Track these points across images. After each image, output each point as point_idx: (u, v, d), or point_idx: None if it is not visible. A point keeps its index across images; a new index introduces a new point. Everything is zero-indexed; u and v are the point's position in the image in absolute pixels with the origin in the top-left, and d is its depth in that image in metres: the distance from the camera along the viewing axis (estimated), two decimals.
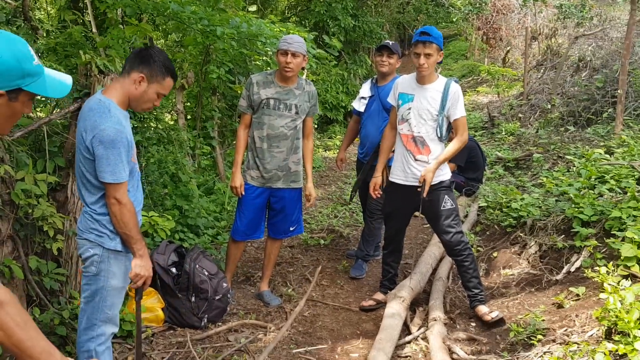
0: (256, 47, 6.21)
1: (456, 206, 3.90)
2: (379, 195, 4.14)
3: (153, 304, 3.70)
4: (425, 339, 3.66)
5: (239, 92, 6.41)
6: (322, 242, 5.62)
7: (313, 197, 4.31)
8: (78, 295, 3.48)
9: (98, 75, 3.65)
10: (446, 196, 3.85)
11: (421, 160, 3.81)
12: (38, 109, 4.07)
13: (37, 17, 8.61)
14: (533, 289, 4.20)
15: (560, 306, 3.74)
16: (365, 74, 12.88)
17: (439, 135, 3.79)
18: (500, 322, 3.74)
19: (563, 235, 4.52)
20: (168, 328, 3.74)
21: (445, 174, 3.88)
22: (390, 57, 4.61)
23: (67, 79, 1.70)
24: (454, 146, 3.78)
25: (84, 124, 2.44)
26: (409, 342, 3.66)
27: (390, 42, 4.73)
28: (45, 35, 6.35)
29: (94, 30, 6.70)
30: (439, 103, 3.74)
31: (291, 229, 4.28)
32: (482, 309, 3.88)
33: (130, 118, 4.58)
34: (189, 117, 6.56)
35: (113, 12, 6.53)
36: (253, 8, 10.12)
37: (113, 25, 6.55)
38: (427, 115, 3.77)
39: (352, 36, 13.02)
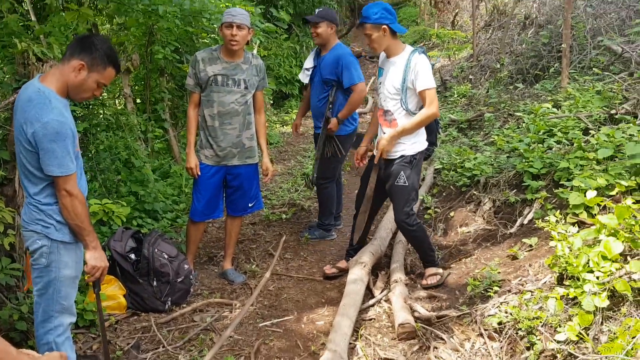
0: (202, 25, 6.09)
1: (410, 184, 3.80)
2: (361, 165, 4.18)
3: (114, 292, 3.67)
4: (388, 300, 3.74)
5: (187, 71, 6.30)
6: (283, 216, 5.64)
7: (270, 172, 4.31)
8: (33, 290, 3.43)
9: (36, 63, 3.54)
10: (402, 172, 3.79)
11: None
12: None
13: None
14: (489, 244, 4.34)
15: (514, 258, 3.87)
16: (314, 47, 12.77)
17: (404, 108, 3.74)
18: (438, 286, 3.92)
19: (515, 190, 4.65)
20: (132, 314, 3.72)
21: (406, 148, 3.80)
22: (317, 27, 4.61)
23: None
24: (416, 118, 3.70)
25: (24, 115, 2.35)
26: (372, 306, 3.75)
27: (315, 14, 4.72)
28: None
29: (33, 18, 6.45)
30: (401, 75, 3.71)
31: (250, 205, 4.28)
32: (428, 271, 4.01)
33: (75, 105, 4.51)
34: (138, 100, 6.42)
35: (52, 0, 6.30)
36: None
37: (54, 13, 6.33)
38: (391, 89, 3.76)
39: (301, 8, 12.87)
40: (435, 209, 5.25)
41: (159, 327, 3.55)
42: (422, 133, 3.92)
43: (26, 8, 6.74)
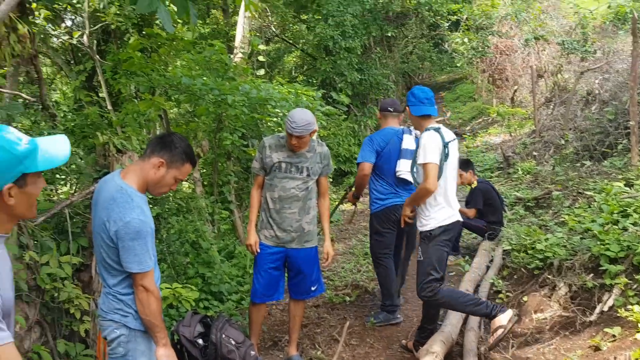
0: (267, 111, 6.36)
1: (427, 259, 3.92)
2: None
3: None
4: None
5: (252, 154, 6.51)
6: (347, 299, 5.55)
7: (330, 256, 4.27)
8: None
9: (116, 155, 3.76)
10: (420, 247, 4.02)
11: None
12: (59, 191, 4.18)
13: (53, 100, 8.92)
14: (567, 332, 4.09)
15: (597, 349, 3.62)
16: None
17: (415, 182, 4.08)
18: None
19: (592, 274, 4.42)
20: None
21: (423, 224, 3.96)
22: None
23: (62, 140, 1.71)
24: (414, 192, 3.99)
25: (107, 213, 2.44)
26: None
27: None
28: (62, 117, 6.57)
29: (109, 107, 6.92)
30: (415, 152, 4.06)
31: (312, 288, 4.25)
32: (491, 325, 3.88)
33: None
34: (205, 183, 6.66)
35: (126, 89, 6.76)
36: (261, 72, 10.41)
37: (127, 101, 6.77)
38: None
39: (359, 89, 13.27)
40: (507, 293, 5.04)
41: None
42: (440, 209, 3.91)
43: (103, 97, 7.28)
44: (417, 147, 3.87)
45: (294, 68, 15.70)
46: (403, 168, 4.65)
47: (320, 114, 7.27)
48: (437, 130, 3.83)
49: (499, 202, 6.58)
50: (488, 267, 5.72)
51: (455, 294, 4.05)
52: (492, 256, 5.94)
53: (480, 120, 15.96)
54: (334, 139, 11.49)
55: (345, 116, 12.13)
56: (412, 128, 4.70)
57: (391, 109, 4.94)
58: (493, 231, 6.34)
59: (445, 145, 3.80)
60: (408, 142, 4.72)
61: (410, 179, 4.41)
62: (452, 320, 4.40)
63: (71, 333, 3.35)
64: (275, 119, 7.09)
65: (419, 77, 22.91)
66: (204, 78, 5.68)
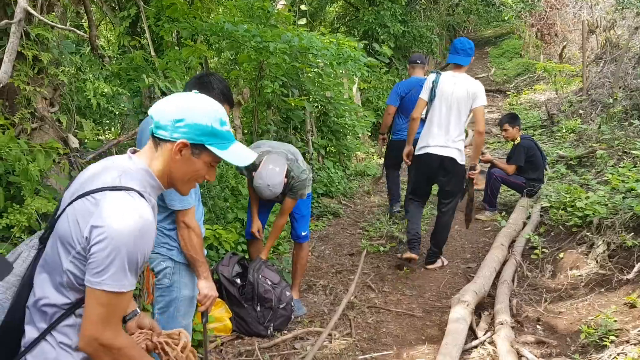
0: (308, 60, 6.33)
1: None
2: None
3: (221, 314, 3.82)
4: (492, 343, 3.61)
5: (292, 105, 6.54)
6: (381, 249, 5.63)
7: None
8: (150, 308, 3.65)
9: (161, 97, 3.83)
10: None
11: None
12: (107, 132, 4.31)
13: (100, 45, 9.04)
14: (603, 290, 4.08)
15: (632, 306, 3.61)
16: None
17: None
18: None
19: (632, 233, 4.36)
20: (236, 337, 3.85)
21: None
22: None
23: (251, 156, 1.68)
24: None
25: None
26: (475, 347, 3.63)
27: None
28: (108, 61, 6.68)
29: (152, 53, 6.99)
30: None
31: (303, 233, 4.31)
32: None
33: None
34: (245, 131, 6.73)
35: (169, 35, 6.81)
36: (302, 22, 10.29)
37: (169, 48, 6.83)
38: None
39: (401, 42, 13.01)
40: (543, 249, 5.02)
41: (262, 351, 3.64)
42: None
43: (146, 43, 7.35)
44: None
45: (335, 18, 15.44)
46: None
47: (361, 65, 7.20)
48: (438, 72, 4.79)
49: (541, 160, 6.47)
50: (525, 224, 5.69)
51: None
52: (529, 213, 5.90)
53: (525, 77, 15.49)
54: (374, 92, 11.38)
55: (387, 69, 11.95)
56: None
57: (418, 61, 6.31)
58: (532, 188, 6.27)
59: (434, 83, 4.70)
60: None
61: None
62: (485, 272, 4.44)
63: None
64: (316, 69, 7.07)
65: (464, 30, 22.26)
66: (247, 25, 5.67)
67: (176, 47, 6.79)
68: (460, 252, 5.58)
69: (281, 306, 3.93)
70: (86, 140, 3.64)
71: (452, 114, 4.65)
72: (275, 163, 3.65)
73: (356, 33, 12.39)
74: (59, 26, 2.44)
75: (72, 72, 3.32)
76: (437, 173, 4.81)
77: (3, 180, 2.74)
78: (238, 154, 1.64)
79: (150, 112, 1.60)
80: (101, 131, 3.99)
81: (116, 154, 3.75)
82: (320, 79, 7.31)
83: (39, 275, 1.54)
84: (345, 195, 7.47)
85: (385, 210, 6.89)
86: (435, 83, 4.68)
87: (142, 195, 1.52)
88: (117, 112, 4.09)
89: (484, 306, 4.15)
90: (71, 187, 1.61)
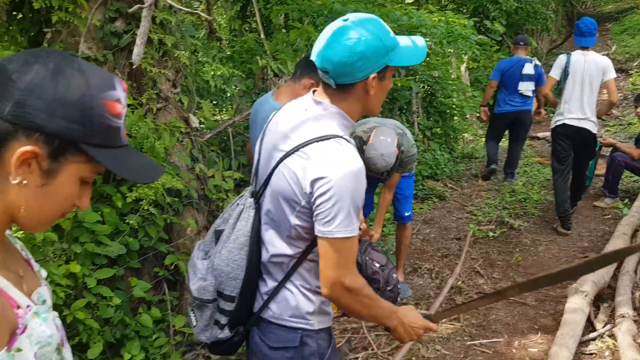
0: None
1: None
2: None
3: None
4: (612, 336, 3.40)
5: (398, 85, 6.44)
6: (490, 234, 5.45)
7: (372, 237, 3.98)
8: None
9: (273, 79, 3.93)
10: None
11: None
12: (223, 112, 4.49)
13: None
14: None
15: None
16: (530, 56, 12.16)
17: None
18: None
19: None
20: (342, 314, 3.90)
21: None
22: None
23: (419, 41, 1.63)
24: None
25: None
26: (593, 339, 3.44)
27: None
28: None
29: (262, 35, 7.17)
30: None
31: (406, 214, 4.24)
32: None
33: None
34: None
35: (276, 18, 6.94)
36: (410, 0, 10.10)
37: (277, 30, 6.97)
38: None
39: (514, 19, 12.36)
40: None
41: (369, 330, 3.67)
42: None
43: (255, 27, 7.54)
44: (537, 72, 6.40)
45: None
46: (524, 87, 6.47)
47: (472, 43, 6.95)
48: (568, 54, 5.25)
49: None
50: None
51: None
52: None
53: None
54: (483, 71, 10.95)
55: (498, 47, 11.44)
56: (534, 59, 6.57)
57: (521, 43, 6.82)
58: None
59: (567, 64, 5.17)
60: (528, 69, 6.49)
61: (529, 94, 6.52)
62: None
63: None
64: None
65: (582, 6, 20.78)
66: (354, 4, 5.65)
67: (283, 30, 6.92)
68: (577, 240, 5.27)
69: (388, 288, 3.90)
70: (204, 120, 3.82)
71: (585, 90, 5.12)
72: (386, 134, 3.62)
73: (465, 10, 11.95)
74: (186, 9, 2.56)
75: (191, 55, 3.49)
76: (574, 142, 5.26)
77: None
78: (411, 53, 1.60)
79: (321, 65, 1.55)
80: (217, 111, 4.16)
81: (232, 134, 3.90)
82: (428, 58, 7.14)
83: (267, 232, 1.63)
84: (451, 178, 7.29)
85: (495, 194, 6.65)
86: (567, 63, 5.15)
87: (347, 140, 1.54)
88: (231, 94, 4.25)
89: (603, 298, 3.91)
90: (268, 139, 1.68)
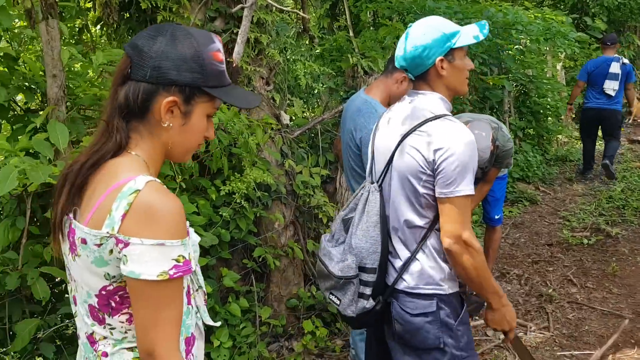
0: (510, 36, 6.00)
1: None
2: None
3: None
4: None
5: (490, 83, 6.26)
6: (585, 241, 5.18)
7: None
8: None
9: (363, 76, 3.94)
10: None
11: None
12: (312, 109, 4.56)
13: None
14: None
15: None
16: (632, 55, 11.43)
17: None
18: None
19: None
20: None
21: None
22: None
23: (482, 23, 1.90)
24: None
25: (354, 123, 2.67)
26: None
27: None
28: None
29: (351, 33, 7.19)
30: None
31: (496, 217, 4.09)
32: None
33: None
34: None
35: (365, 16, 6.93)
36: None
37: (366, 28, 6.96)
38: None
39: (615, 15, 11.63)
40: None
41: None
42: None
43: (344, 24, 7.57)
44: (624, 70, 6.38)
45: None
46: (608, 86, 6.52)
47: (572, 41, 6.62)
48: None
49: None
50: None
51: None
52: None
53: None
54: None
55: (598, 45, 10.81)
56: (621, 57, 6.61)
57: (608, 43, 6.81)
58: None
59: None
60: (614, 68, 6.56)
61: (612, 93, 6.53)
62: None
63: (317, 235, 3.73)
64: (517, 46, 6.68)
65: None
66: (448, 1, 5.55)
67: (371, 28, 6.90)
68: None
69: (473, 292, 3.83)
70: (294, 117, 3.90)
71: None
72: (480, 129, 3.54)
73: (563, 7, 11.39)
74: (284, 8, 2.62)
75: (283, 53, 3.57)
76: None
77: (226, 151, 3.05)
78: (472, 35, 1.86)
79: (399, 65, 1.86)
80: (307, 109, 4.23)
81: (320, 131, 3.95)
82: (523, 56, 6.89)
83: (397, 208, 1.85)
84: (543, 181, 7.00)
85: (591, 200, 6.32)
86: None
87: (453, 118, 1.80)
88: (320, 91, 4.30)
89: None
90: (381, 135, 1.96)
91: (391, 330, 1.91)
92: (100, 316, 1.18)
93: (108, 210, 1.10)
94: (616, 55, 6.74)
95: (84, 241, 1.13)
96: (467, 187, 1.71)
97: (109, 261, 1.12)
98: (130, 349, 1.19)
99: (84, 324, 1.23)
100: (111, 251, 1.10)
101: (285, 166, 3.43)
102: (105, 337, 1.19)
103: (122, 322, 1.17)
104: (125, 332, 1.18)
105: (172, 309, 1.12)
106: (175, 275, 1.09)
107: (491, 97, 6.55)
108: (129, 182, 1.11)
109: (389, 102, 2.75)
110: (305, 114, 4.09)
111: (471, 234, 1.73)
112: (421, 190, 1.78)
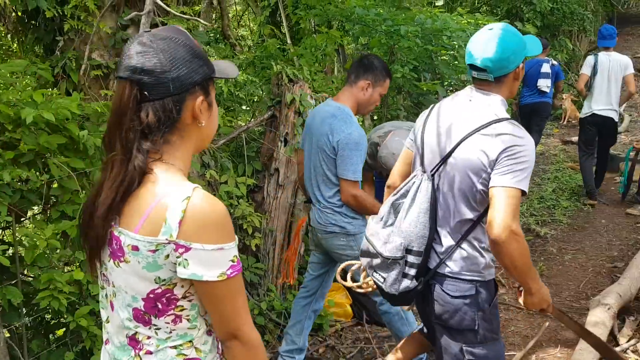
0: (442, 42, 6.09)
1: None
2: None
3: (342, 300, 3.84)
4: (636, 352, 3.25)
5: (424, 89, 6.34)
6: None
7: None
8: (274, 289, 3.77)
9: (288, 84, 3.91)
10: None
11: None
12: (238, 118, 4.50)
13: (239, 34, 9.51)
14: None
15: None
16: (566, 59, 11.83)
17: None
18: None
19: None
20: (356, 323, 3.85)
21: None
22: None
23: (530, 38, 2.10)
24: None
25: (329, 127, 2.80)
26: None
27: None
28: (247, 50, 6.98)
29: (289, 41, 7.16)
30: None
31: None
32: None
33: None
34: (375, 117, 6.68)
35: (306, 23, 6.93)
36: (440, 2, 9.96)
37: (306, 35, 6.96)
38: None
39: (549, 20, 12.02)
40: None
41: (380, 340, 3.61)
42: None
43: (284, 32, 7.55)
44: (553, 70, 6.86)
45: None
46: (542, 83, 6.86)
47: None
48: (595, 55, 6.07)
49: None
50: None
51: None
52: None
53: None
54: None
55: None
56: (550, 59, 7.07)
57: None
58: None
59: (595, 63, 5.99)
60: (545, 68, 6.89)
61: (546, 90, 6.88)
62: (634, 272, 3.99)
63: (244, 247, 3.67)
64: (451, 52, 6.79)
65: (623, 6, 20.08)
66: (379, 9, 5.59)
67: (313, 35, 6.90)
68: (606, 249, 5.08)
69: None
70: (219, 125, 3.82)
71: (611, 85, 5.94)
72: (401, 136, 3.61)
73: (499, 12, 11.71)
74: (183, 16, 2.56)
75: None
76: (600, 128, 6.06)
77: None
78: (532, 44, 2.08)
79: (483, 65, 1.94)
80: (233, 117, 4.16)
81: (245, 139, 3.90)
82: (456, 62, 7.00)
83: (455, 200, 1.98)
84: None
85: (523, 200, 6.47)
86: (596, 62, 6.01)
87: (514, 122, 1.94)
88: (247, 99, 4.25)
89: (630, 311, 3.74)
90: (431, 129, 2.07)
91: (430, 310, 2.07)
92: (147, 318, 1.25)
93: (163, 218, 1.16)
94: (547, 57, 7.14)
95: (135, 248, 1.19)
96: (526, 185, 1.84)
97: (162, 265, 1.19)
98: (174, 347, 1.27)
99: (122, 328, 1.29)
100: (167, 256, 1.18)
101: (207, 177, 3.36)
102: (149, 337, 1.26)
103: (168, 323, 1.25)
104: (170, 332, 1.26)
105: (238, 299, 1.23)
106: (232, 275, 1.20)
107: (425, 103, 6.62)
108: (177, 190, 1.18)
109: (357, 109, 2.92)
110: (232, 123, 4.02)
111: (518, 225, 1.85)
112: (479, 186, 1.91)
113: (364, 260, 2.15)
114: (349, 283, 2.52)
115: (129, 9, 3.10)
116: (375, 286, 2.32)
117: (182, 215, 1.15)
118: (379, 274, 2.05)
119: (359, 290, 2.47)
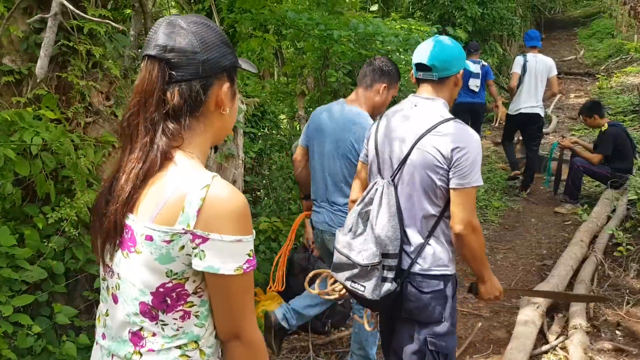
0: (375, 47, 6.12)
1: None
2: None
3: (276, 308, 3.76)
4: (564, 349, 3.34)
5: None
6: None
7: None
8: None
9: None
10: None
11: None
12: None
13: None
14: None
15: None
16: (497, 63, 12.21)
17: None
18: None
19: None
20: (293, 332, 3.78)
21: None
22: None
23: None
24: None
25: (353, 135, 2.86)
26: (545, 352, 3.37)
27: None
28: None
29: None
30: None
31: None
32: None
33: (252, 127, 4.77)
34: None
35: (241, 27, 6.82)
36: (374, 7, 10.05)
37: (242, 39, 6.85)
38: None
39: (480, 25, 12.39)
40: (628, 246, 4.59)
41: (317, 348, 3.55)
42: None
43: None
44: (483, 71, 7.17)
45: (411, 3, 15.00)
46: (472, 83, 7.13)
47: None
48: (524, 55, 6.60)
49: (631, 149, 5.95)
50: (609, 218, 5.25)
51: None
52: (614, 206, 5.44)
53: (617, 59, 14.38)
54: None
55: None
56: (481, 61, 7.43)
57: (472, 50, 7.49)
58: (618, 179, 5.77)
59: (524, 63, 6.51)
60: (474, 68, 7.45)
61: (475, 89, 7.16)
62: (561, 271, 4.12)
63: None
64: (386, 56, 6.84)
65: (550, 11, 21.00)
66: (311, 13, 5.56)
67: (249, 39, 6.80)
68: (536, 247, 5.23)
69: (339, 302, 3.81)
70: None
71: (539, 84, 6.44)
72: None
73: (432, 17, 11.96)
74: (94, 19, 2.43)
75: (127, 65, 3.35)
76: (527, 123, 6.58)
77: (58, 175, 2.78)
78: None
79: (430, 63, 2.12)
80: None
81: None
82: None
83: (418, 199, 2.09)
84: None
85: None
86: (525, 63, 6.49)
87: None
88: None
89: (558, 308, 3.85)
90: (383, 139, 2.19)
91: (402, 307, 2.13)
92: (154, 313, 1.18)
93: (180, 207, 1.11)
94: (477, 59, 7.43)
95: (149, 238, 1.13)
96: (478, 179, 2.02)
97: (176, 257, 1.13)
98: (179, 346, 1.20)
99: (126, 322, 1.21)
100: (182, 247, 1.12)
101: None
102: (154, 335, 1.19)
103: (176, 319, 1.18)
104: (177, 329, 1.19)
105: (247, 296, 1.18)
106: (247, 270, 1.14)
107: None
108: (196, 178, 1.13)
109: (372, 111, 2.93)
110: None
111: (477, 220, 2.05)
112: (438, 183, 2.04)
113: (340, 275, 2.18)
114: (316, 291, 2.55)
115: (42, 11, 2.91)
116: (342, 293, 2.44)
117: (201, 203, 1.11)
118: (359, 284, 2.10)
119: (326, 297, 2.51)
